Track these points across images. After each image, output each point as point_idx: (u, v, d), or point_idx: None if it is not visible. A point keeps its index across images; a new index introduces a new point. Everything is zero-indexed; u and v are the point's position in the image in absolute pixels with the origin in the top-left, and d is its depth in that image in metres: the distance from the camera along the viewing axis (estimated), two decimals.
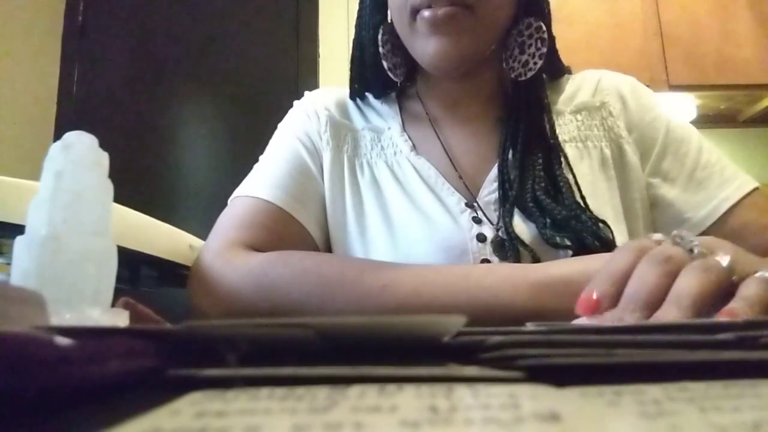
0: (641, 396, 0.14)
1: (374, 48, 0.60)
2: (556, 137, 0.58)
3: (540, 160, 0.56)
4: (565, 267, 0.43)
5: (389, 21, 0.60)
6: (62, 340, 0.15)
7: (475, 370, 0.17)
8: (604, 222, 0.52)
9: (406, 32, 0.56)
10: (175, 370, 0.17)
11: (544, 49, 0.57)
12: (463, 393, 0.15)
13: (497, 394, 0.14)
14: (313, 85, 1.95)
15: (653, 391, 0.15)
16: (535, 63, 0.58)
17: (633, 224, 0.57)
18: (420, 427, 0.12)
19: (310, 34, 2.03)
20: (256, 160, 0.63)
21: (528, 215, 0.53)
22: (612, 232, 0.52)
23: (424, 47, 0.54)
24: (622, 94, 0.62)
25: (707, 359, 0.18)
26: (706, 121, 2.16)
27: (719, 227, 0.54)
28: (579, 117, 0.61)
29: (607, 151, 0.59)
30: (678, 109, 2.02)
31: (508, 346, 0.18)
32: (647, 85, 0.65)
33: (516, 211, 0.53)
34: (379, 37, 0.59)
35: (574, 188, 0.55)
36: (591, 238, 0.49)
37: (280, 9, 2.08)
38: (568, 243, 0.49)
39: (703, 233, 0.54)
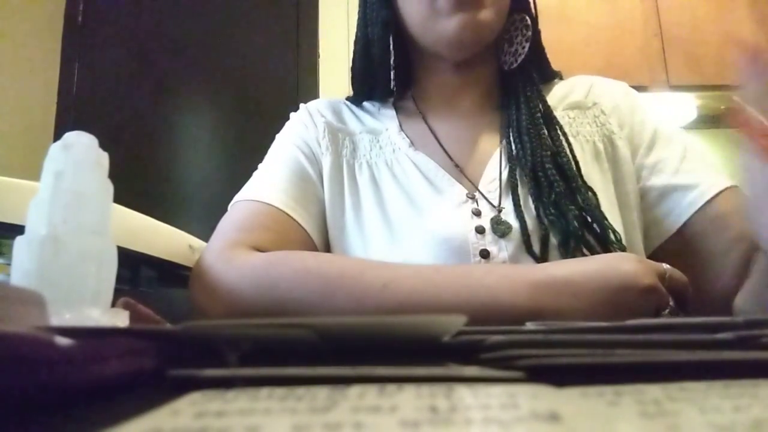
0: (641, 396, 0.14)
1: (382, 45, 0.61)
2: (550, 112, 0.61)
3: (544, 131, 0.58)
4: (565, 267, 0.43)
5: (396, 23, 0.61)
6: (62, 340, 0.15)
7: (475, 370, 0.17)
8: (591, 190, 0.55)
9: (424, 15, 0.57)
10: (175, 370, 0.17)
11: (529, 33, 0.62)
12: (463, 393, 0.15)
13: (497, 394, 0.14)
14: (313, 85, 1.95)
15: (653, 391, 0.15)
16: (523, 48, 0.62)
17: (627, 216, 0.57)
18: (420, 427, 0.12)
19: (310, 34, 2.03)
20: (257, 161, 0.63)
21: (536, 186, 0.54)
22: (597, 201, 0.54)
23: (447, 24, 0.56)
24: (614, 96, 0.64)
25: (707, 359, 0.18)
26: (706, 121, 2.16)
27: (705, 212, 0.55)
28: (571, 114, 0.63)
29: (600, 146, 0.60)
30: (678, 110, 2.02)
31: (508, 346, 0.18)
32: (647, 86, 0.67)
33: (521, 191, 0.55)
34: (391, 40, 0.61)
35: (569, 155, 0.57)
36: (579, 228, 0.51)
37: (280, 9, 2.08)
38: (562, 227, 0.51)
39: (690, 219, 0.55)
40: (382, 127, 0.64)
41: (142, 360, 0.18)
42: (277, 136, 0.67)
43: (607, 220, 0.52)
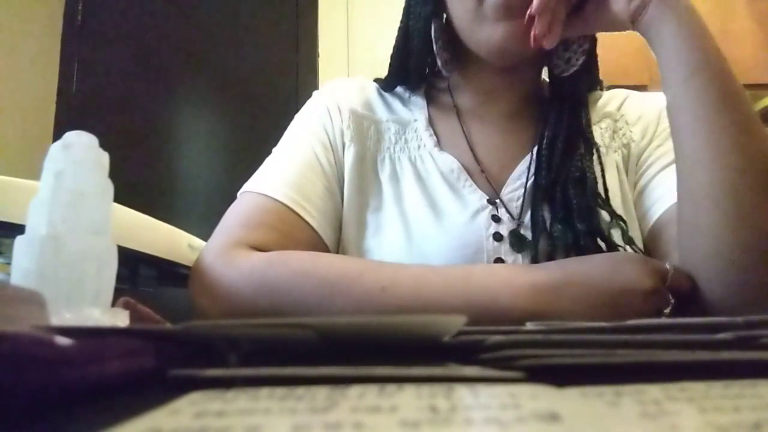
0: (641, 396, 0.14)
1: (423, 39, 0.60)
2: (591, 132, 0.59)
3: (580, 152, 0.57)
4: (566, 268, 0.43)
5: (442, 18, 0.60)
6: (62, 340, 0.15)
7: (475, 370, 0.17)
8: (620, 217, 0.53)
9: (469, 18, 0.55)
10: (175, 370, 0.17)
11: (586, 45, 0.58)
12: (463, 393, 0.15)
13: (497, 394, 0.14)
14: (313, 85, 1.94)
15: (653, 391, 0.15)
16: (577, 59, 0.59)
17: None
18: (420, 427, 0.12)
19: (309, 34, 2.03)
20: (257, 160, 0.62)
21: (551, 203, 0.54)
22: (627, 228, 0.53)
23: (492, 33, 0.53)
24: (642, 107, 0.63)
25: (707, 359, 0.18)
26: None
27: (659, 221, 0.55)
28: (603, 125, 0.62)
29: (619, 157, 0.60)
30: None
31: (508, 346, 0.18)
32: (647, 86, 0.66)
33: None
34: (432, 33, 0.59)
35: (600, 181, 0.56)
36: (586, 239, 0.50)
37: (280, 9, 2.08)
38: (569, 241, 0.50)
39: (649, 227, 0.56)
40: (410, 117, 0.63)
41: (142, 360, 0.18)
42: (297, 115, 0.64)
43: (635, 244, 0.52)
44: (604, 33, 0.55)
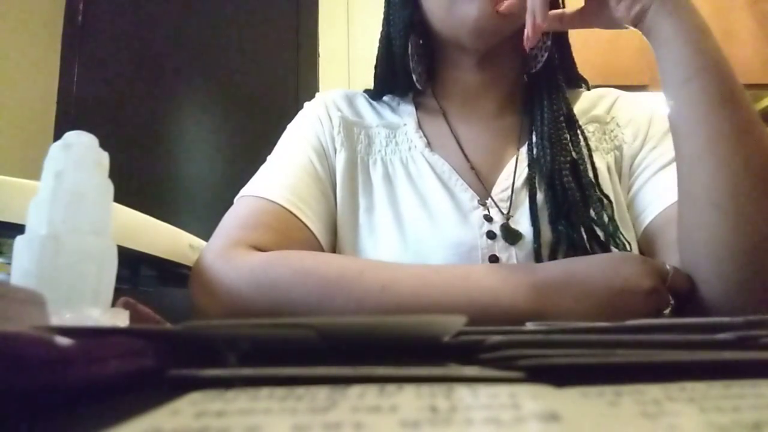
0: (641, 396, 0.14)
1: (404, 41, 0.61)
2: (573, 116, 0.60)
3: (566, 136, 0.57)
4: (566, 268, 0.43)
5: (418, 29, 0.61)
6: (62, 340, 0.15)
7: (475, 370, 0.17)
8: (608, 198, 0.54)
9: (444, 5, 0.57)
10: (175, 370, 0.17)
11: (548, 42, 0.60)
12: (463, 393, 0.15)
13: (497, 394, 0.14)
14: (313, 85, 1.94)
15: (653, 391, 0.15)
16: (542, 55, 0.61)
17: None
18: (420, 427, 0.12)
19: (310, 34, 2.03)
20: (257, 160, 0.63)
21: (552, 194, 0.54)
22: (613, 211, 0.54)
23: (468, 10, 0.55)
24: (633, 109, 0.63)
25: (707, 359, 0.18)
26: None
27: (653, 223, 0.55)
28: (590, 128, 0.62)
29: (611, 159, 0.60)
30: None
31: (508, 346, 0.18)
32: (647, 85, 0.66)
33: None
34: (409, 49, 0.60)
35: (589, 167, 0.56)
36: (588, 241, 0.51)
37: (280, 9, 2.08)
38: (569, 237, 0.51)
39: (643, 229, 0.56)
40: (400, 121, 0.64)
41: (142, 360, 0.18)
42: (290, 126, 0.66)
43: (619, 231, 0.52)
44: (601, 33, 0.56)
